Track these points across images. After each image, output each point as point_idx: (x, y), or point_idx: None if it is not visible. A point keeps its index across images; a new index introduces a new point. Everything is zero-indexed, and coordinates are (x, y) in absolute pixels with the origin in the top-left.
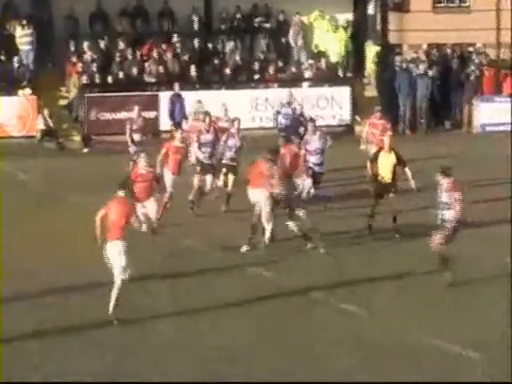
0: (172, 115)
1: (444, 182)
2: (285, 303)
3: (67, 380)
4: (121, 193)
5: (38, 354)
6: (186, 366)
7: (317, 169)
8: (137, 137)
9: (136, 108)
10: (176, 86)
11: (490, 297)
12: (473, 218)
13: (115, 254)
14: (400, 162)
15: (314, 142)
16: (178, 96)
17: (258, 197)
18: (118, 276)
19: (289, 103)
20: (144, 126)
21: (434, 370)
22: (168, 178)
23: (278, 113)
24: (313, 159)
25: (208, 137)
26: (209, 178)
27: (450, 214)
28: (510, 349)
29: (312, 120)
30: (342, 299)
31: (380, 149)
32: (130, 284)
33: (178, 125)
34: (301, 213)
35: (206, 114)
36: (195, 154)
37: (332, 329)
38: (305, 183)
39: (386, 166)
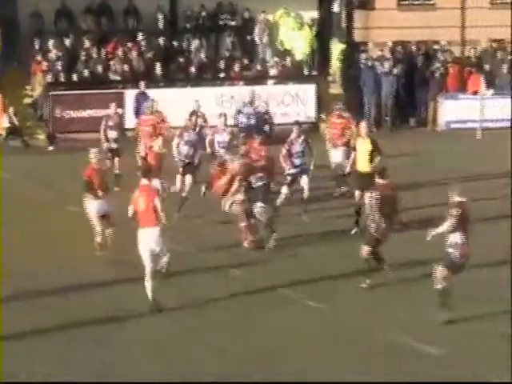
0: (137, 113)
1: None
2: (257, 301)
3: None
4: (144, 181)
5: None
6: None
7: (294, 171)
8: (112, 134)
9: (112, 105)
10: (141, 84)
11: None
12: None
13: (151, 241)
14: (375, 148)
15: (297, 145)
16: (143, 94)
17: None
18: (149, 264)
19: (251, 102)
20: (120, 122)
21: (400, 367)
22: None
23: (240, 112)
24: (295, 161)
25: (192, 136)
26: (188, 178)
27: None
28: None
29: (298, 123)
30: (312, 297)
31: (358, 137)
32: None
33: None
34: (258, 208)
35: (221, 114)
36: (175, 151)
37: (301, 326)
38: (282, 191)
39: (361, 153)
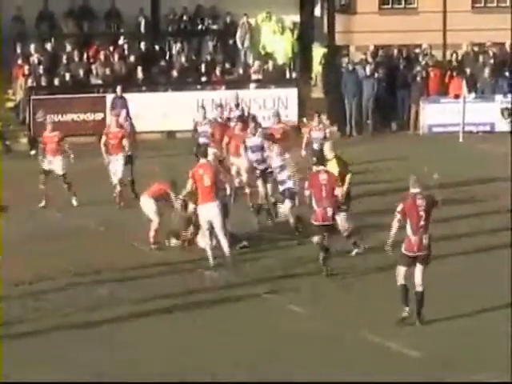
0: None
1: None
2: (235, 303)
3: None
4: (204, 160)
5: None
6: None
7: (261, 167)
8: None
9: (123, 111)
10: (118, 88)
11: (433, 295)
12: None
13: (214, 214)
14: (343, 169)
15: (253, 139)
16: (120, 98)
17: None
18: (221, 232)
19: (237, 105)
20: (131, 129)
21: (376, 368)
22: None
23: (229, 119)
24: (252, 156)
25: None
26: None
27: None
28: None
29: (254, 118)
30: (289, 298)
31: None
32: None
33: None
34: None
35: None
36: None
37: (279, 328)
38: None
39: None
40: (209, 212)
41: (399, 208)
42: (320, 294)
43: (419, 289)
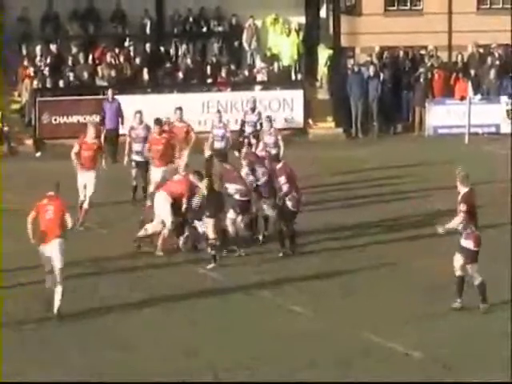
0: (102, 121)
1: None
2: (232, 302)
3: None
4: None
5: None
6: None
7: None
8: (137, 147)
9: (137, 116)
10: (109, 91)
11: (434, 299)
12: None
13: None
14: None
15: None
16: (110, 102)
17: None
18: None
19: (253, 109)
20: (145, 135)
21: (377, 368)
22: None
23: (244, 122)
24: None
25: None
26: None
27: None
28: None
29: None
30: (290, 299)
31: None
32: None
33: (110, 131)
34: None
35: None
36: None
37: (280, 328)
38: None
39: None
40: None
41: (464, 208)
42: (321, 294)
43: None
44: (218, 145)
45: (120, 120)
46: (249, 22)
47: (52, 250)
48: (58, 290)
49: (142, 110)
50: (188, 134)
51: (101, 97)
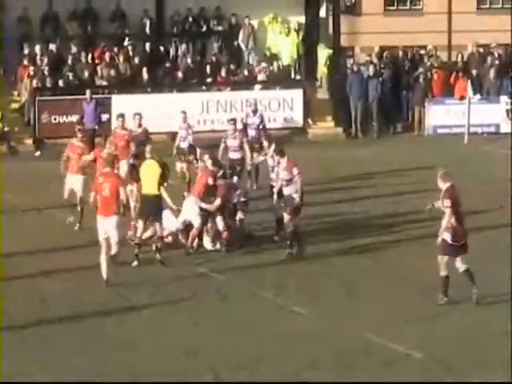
0: (81, 120)
1: (282, 161)
2: (233, 302)
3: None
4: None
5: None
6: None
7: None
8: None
9: (136, 117)
10: (87, 92)
11: (434, 299)
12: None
13: None
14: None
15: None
16: (88, 102)
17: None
18: None
19: (254, 112)
20: (144, 139)
21: (377, 368)
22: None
23: (246, 125)
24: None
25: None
26: None
27: (290, 190)
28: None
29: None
30: (291, 299)
31: None
32: None
33: (90, 130)
34: None
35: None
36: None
37: (281, 329)
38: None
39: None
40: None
41: (448, 203)
42: (321, 295)
43: (464, 268)
44: (183, 145)
45: (97, 120)
46: (245, 22)
47: (109, 225)
48: (109, 260)
49: (141, 112)
50: (128, 143)
51: (100, 96)
